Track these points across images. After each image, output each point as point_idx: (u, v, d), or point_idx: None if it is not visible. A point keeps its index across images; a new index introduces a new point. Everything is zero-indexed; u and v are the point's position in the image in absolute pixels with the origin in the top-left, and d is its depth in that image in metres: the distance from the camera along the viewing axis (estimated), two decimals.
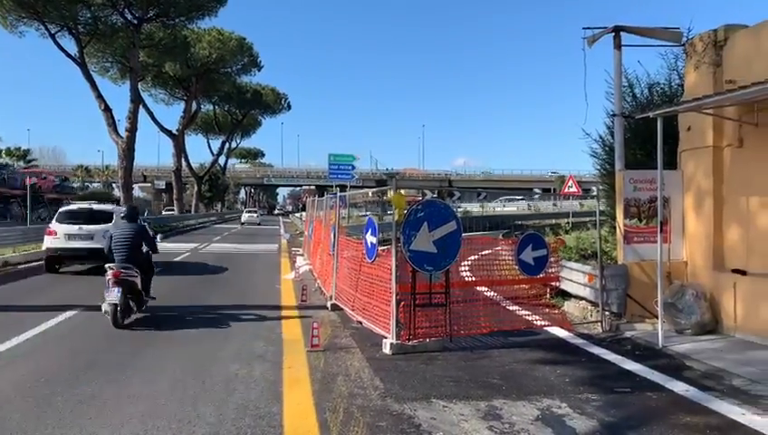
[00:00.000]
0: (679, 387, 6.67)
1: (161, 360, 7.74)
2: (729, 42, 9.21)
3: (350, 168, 27.95)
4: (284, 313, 11.27)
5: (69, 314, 10.74)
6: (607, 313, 9.94)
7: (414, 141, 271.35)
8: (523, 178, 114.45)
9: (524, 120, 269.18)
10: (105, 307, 9.76)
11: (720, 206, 9.36)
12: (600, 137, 14.25)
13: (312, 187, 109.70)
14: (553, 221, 47.40)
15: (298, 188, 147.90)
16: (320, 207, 17.26)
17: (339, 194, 12.59)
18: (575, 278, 11.13)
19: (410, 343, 8.18)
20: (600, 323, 9.82)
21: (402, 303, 8.24)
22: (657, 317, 9.17)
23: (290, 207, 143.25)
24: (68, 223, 17.26)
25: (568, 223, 33.72)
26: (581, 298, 11.12)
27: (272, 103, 76.75)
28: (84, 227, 17.11)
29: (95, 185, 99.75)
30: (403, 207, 8.16)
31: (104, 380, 6.84)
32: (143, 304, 10.74)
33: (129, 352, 8.14)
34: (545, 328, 9.57)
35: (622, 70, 11.03)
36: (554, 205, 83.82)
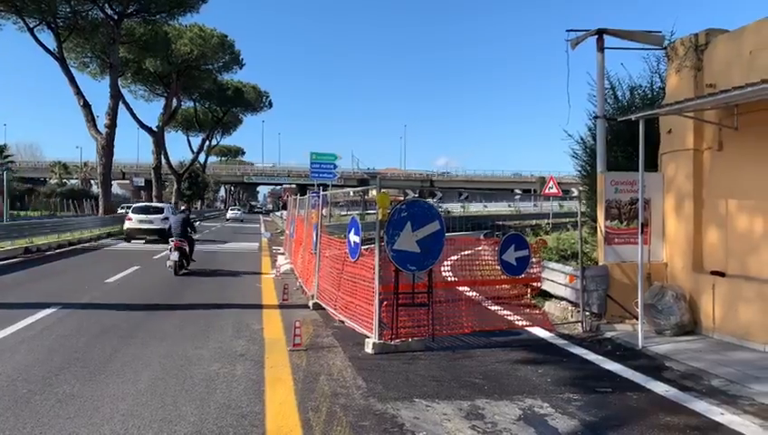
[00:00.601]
0: (659, 387, 6.73)
1: (141, 359, 7.66)
2: (710, 46, 9.32)
3: (332, 166, 27.83)
4: (265, 312, 11.21)
5: (47, 311, 10.61)
6: (587, 313, 10.01)
7: (395, 142, 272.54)
8: (504, 178, 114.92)
9: (506, 122, 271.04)
10: (169, 263, 16.74)
11: (700, 208, 9.46)
12: (582, 139, 14.35)
13: (293, 185, 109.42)
14: (534, 222, 47.71)
15: (278, 187, 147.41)
16: (301, 206, 17.21)
17: (321, 193, 12.54)
18: (556, 279, 11.20)
19: (393, 342, 8.18)
20: (580, 324, 9.88)
21: (385, 302, 8.23)
22: (637, 318, 9.24)
23: (270, 206, 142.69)
24: (138, 214, 30.29)
25: (548, 224, 33.95)
26: (562, 298, 11.18)
27: (253, 101, 76.19)
28: (148, 215, 29.92)
29: (73, 181, 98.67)
30: (387, 206, 8.15)
31: (84, 379, 6.76)
32: (189, 263, 17.74)
33: (108, 350, 8.05)
34: (527, 328, 9.61)
35: (605, 72, 11.09)
36: (534, 205, 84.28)
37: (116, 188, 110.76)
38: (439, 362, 7.75)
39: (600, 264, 10.26)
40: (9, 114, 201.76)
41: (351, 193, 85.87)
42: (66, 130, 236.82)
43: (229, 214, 78.32)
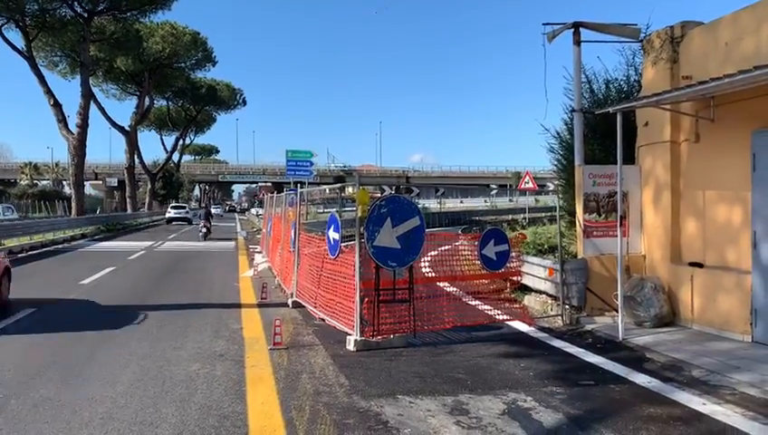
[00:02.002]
0: (641, 379, 6.75)
1: (119, 360, 7.52)
2: (686, 38, 9.37)
3: (308, 164, 27.62)
4: (245, 311, 11.09)
5: (20, 314, 10.39)
6: (567, 306, 10.03)
7: (371, 138, 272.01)
8: (479, 174, 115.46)
9: (481, 117, 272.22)
10: (200, 235, 30.99)
11: (677, 200, 9.53)
12: (558, 133, 14.38)
13: (269, 184, 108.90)
14: (510, 217, 47.90)
15: (254, 186, 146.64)
16: (278, 204, 17.09)
17: (298, 190, 12.43)
18: (535, 272, 11.22)
19: (374, 339, 8.12)
20: (560, 317, 9.91)
21: (366, 299, 8.17)
22: (616, 310, 9.29)
23: (245, 205, 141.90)
24: (174, 209, 59.51)
25: (525, 218, 34.11)
26: (542, 292, 11.22)
27: (227, 99, 75.50)
28: (179, 210, 58.75)
29: (44, 182, 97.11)
30: (367, 202, 8.09)
31: (61, 381, 6.61)
32: (210, 233, 31.67)
33: (85, 353, 7.89)
34: (507, 322, 9.60)
35: (581, 66, 11.12)
36: (510, 200, 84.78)
37: (89, 188, 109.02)
38: (422, 358, 7.71)
39: (579, 257, 10.30)
40: None
41: (327, 190, 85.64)
42: (37, 131, 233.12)
43: (212, 210, 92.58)
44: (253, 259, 19.88)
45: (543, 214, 47.43)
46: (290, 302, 11.46)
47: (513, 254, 9.85)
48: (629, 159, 10.42)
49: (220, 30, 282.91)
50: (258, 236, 30.22)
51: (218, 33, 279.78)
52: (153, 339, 8.75)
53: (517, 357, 7.76)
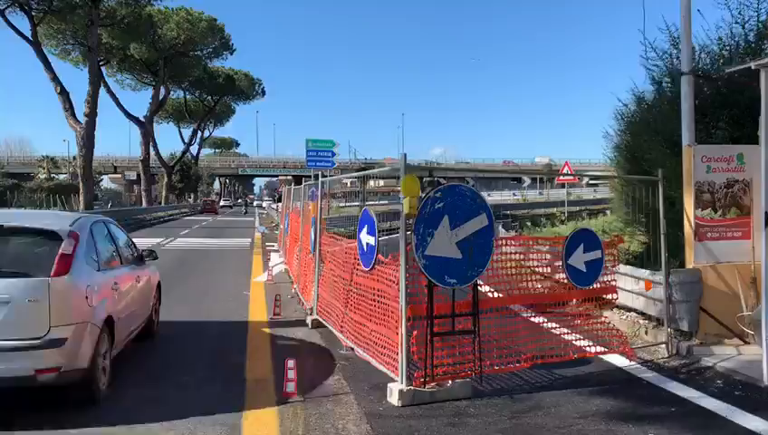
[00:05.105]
0: None
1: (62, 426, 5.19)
2: None
3: (329, 154, 25.32)
4: (252, 333, 8.77)
5: None
6: (670, 330, 7.62)
7: (392, 132, 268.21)
8: (506, 167, 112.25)
9: (501, 110, 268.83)
10: (242, 212, 66.77)
11: None
12: (621, 114, 11.94)
13: (289, 176, 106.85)
14: (543, 211, 45.27)
15: (275, 179, 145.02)
16: (296, 197, 14.80)
17: (320, 180, 10.03)
18: (622, 284, 8.73)
19: (427, 389, 5.73)
20: (665, 346, 7.49)
21: (414, 332, 5.79)
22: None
23: (266, 198, 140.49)
24: (223, 200, 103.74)
25: (563, 212, 31.59)
26: (630, 309, 8.79)
27: (245, 89, 73.16)
28: (227, 200, 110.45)
29: (62, 176, 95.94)
30: (416, 194, 5.69)
31: None
32: (247, 212, 63.73)
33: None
34: (598, 355, 7.16)
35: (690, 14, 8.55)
36: (540, 193, 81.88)
37: (106, 181, 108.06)
38: (497, 420, 5.32)
39: (689, 266, 7.81)
40: None
41: (349, 184, 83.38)
42: (56, 124, 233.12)
43: (239, 201, 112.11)
44: (268, 259, 17.57)
45: (577, 208, 44.87)
46: (309, 320, 9.13)
47: (607, 261, 7.32)
48: (749, 138, 8.01)
49: (239, 22, 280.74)
50: (277, 232, 27.98)
51: (237, 26, 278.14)
52: (116, 383, 6.34)
53: (637, 419, 5.33)
